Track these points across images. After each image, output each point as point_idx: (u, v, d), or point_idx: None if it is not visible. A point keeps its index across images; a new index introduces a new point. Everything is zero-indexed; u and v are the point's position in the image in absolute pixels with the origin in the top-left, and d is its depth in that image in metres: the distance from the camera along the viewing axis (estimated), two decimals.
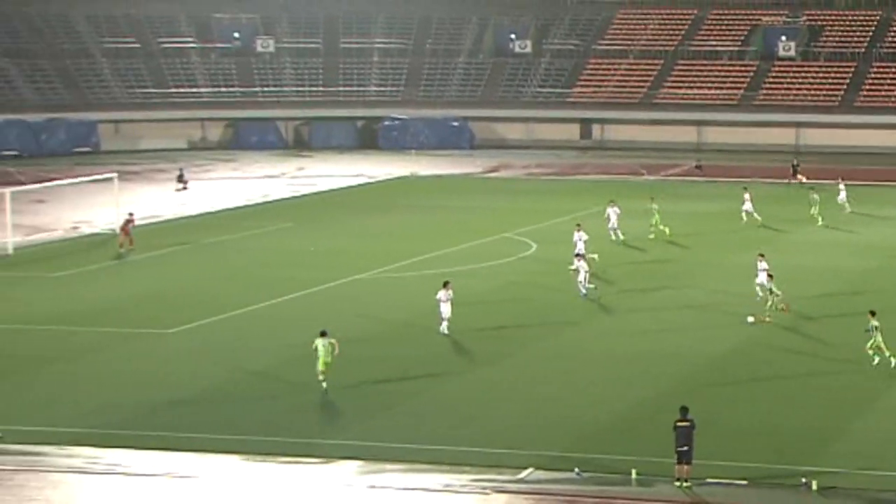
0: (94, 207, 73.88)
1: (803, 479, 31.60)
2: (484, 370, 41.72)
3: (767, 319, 47.23)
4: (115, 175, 71.06)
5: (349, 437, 34.80)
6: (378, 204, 78.74)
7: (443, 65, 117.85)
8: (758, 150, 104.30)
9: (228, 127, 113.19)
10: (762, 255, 50.67)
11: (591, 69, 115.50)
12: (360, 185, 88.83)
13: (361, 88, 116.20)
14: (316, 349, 38.98)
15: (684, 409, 32.08)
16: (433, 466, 32.74)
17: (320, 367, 38.80)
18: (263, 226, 70.01)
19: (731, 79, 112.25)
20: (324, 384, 38.76)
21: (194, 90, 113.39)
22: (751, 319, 47.24)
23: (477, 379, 40.71)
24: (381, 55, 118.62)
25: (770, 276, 48.64)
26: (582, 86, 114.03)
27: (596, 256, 56.10)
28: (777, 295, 47.91)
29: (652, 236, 64.86)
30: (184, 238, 66.02)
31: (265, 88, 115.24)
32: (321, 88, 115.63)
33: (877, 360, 41.26)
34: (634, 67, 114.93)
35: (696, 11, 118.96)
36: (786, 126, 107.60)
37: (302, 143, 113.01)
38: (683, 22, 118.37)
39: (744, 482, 31.70)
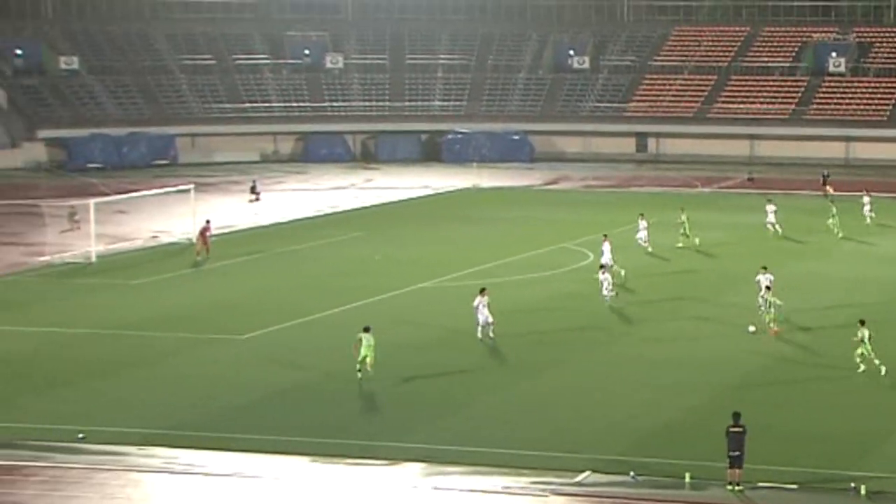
0: (171, 218, 74.44)
1: (852, 484, 31.35)
2: (542, 376, 41.66)
3: (775, 329, 46.60)
4: (191, 187, 71.44)
5: (414, 440, 34.85)
6: (441, 215, 78.82)
7: (504, 80, 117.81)
8: (809, 163, 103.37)
9: (299, 140, 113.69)
10: (765, 268, 49.55)
11: (647, 84, 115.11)
12: (424, 196, 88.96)
13: (426, 103, 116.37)
14: (359, 341, 40.29)
15: (737, 415, 31.92)
16: (493, 469, 32.74)
17: (360, 359, 40.22)
18: (332, 235, 70.24)
19: (782, 94, 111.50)
20: (359, 375, 40.21)
21: (267, 105, 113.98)
22: (752, 329, 46.76)
23: (535, 384, 40.68)
24: (445, 71, 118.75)
25: (768, 288, 47.64)
26: (638, 101, 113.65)
27: (623, 271, 55.75)
28: (779, 305, 47.03)
29: (680, 245, 64.73)
30: (256, 247, 66.35)
31: (334, 103, 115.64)
32: (387, 103, 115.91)
33: (862, 367, 40.86)
34: (689, 83, 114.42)
35: (748, 28, 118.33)
36: (836, 140, 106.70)
37: (369, 156, 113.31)
38: (736, 39, 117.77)
39: (794, 486, 31.48)
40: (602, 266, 53.13)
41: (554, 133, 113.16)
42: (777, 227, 68.49)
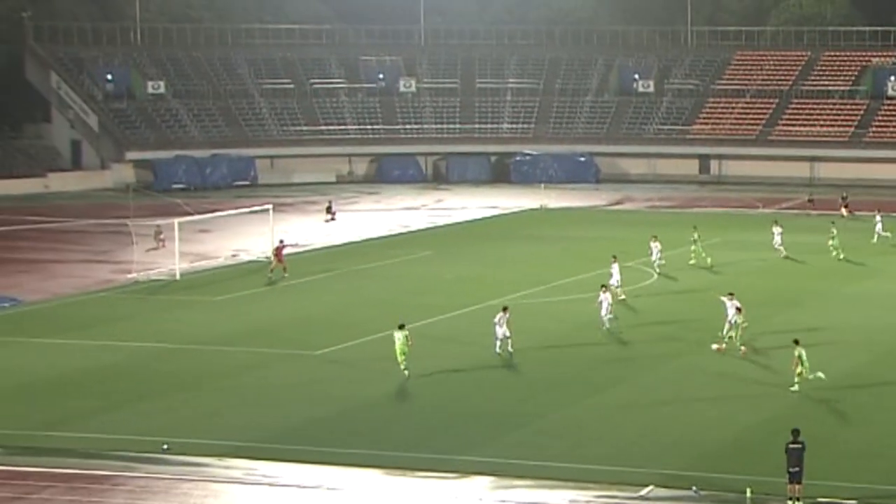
0: (251, 236, 75.01)
1: None
2: (606, 392, 41.55)
3: (742, 348, 46.09)
4: (270, 207, 71.88)
5: (482, 454, 34.85)
6: (510, 234, 78.82)
7: (571, 103, 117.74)
8: (868, 184, 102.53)
9: (373, 162, 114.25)
10: (731, 294, 48.49)
11: (710, 107, 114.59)
12: (493, 216, 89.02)
13: (495, 125, 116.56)
14: (396, 341, 42.44)
15: (796, 432, 31.67)
16: (559, 483, 32.68)
17: (398, 356, 42.25)
18: (404, 254, 70.44)
19: (842, 117, 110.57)
20: (405, 371, 42.21)
21: (342, 127, 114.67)
22: (714, 347, 46.44)
23: (599, 400, 40.57)
24: (514, 94, 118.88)
25: (739, 310, 46.87)
26: (701, 123, 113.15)
27: (624, 296, 55.25)
28: (745, 327, 46.43)
29: (693, 262, 64.97)
30: (331, 265, 66.71)
31: (407, 126, 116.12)
32: (458, 125, 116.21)
33: (796, 387, 40.42)
34: (751, 106, 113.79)
35: (809, 53, 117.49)
36: (894, 162, 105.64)
37: (440, 177, 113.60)
38: (797, 63, 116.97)
39: (853, 502, 31.16)
40: (604, 286, 51.24)
41: (619, 155, 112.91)
42: (782, 248, 67.29)
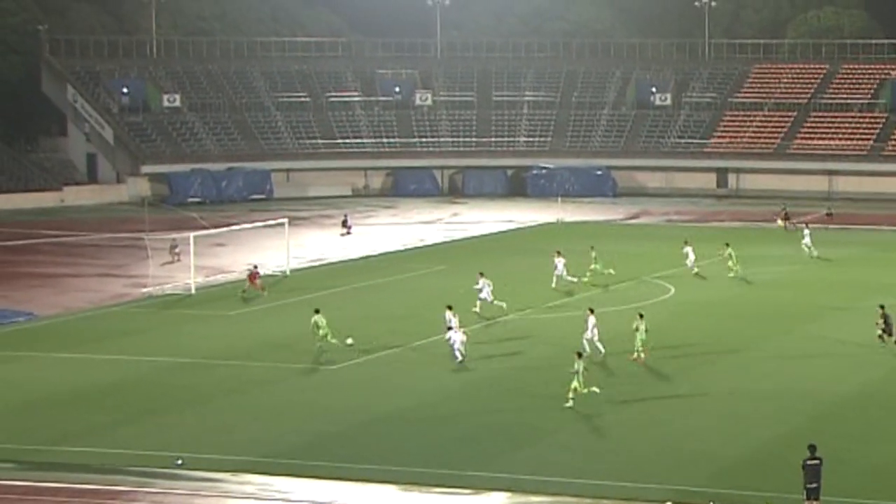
0: (267, 250, 75.14)
1: None
2: (623, 407, 41.52)
3: (642, 357, 46.40)
4: (286, 220, 72.01)
5: (498, 469, 34.86)
6: (526, 248, 78.78)
7: (588, 116, 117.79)
8: (886, 198, 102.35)
9: (389, 175, 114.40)
10: (591, 311, 48.69)
11: (728, 121, 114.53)
12: (509, 230, 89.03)
13: (512, 139, 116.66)
14: (315, 324, 47.42)
15: (813, 448, 31.60)
16: (575, 499, 32.69)
17: (326, 334, 46.99)
18: (419, 269, 70.50)
19: (861, 130, 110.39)
20: (346, 341, 47.59)
21: (358, 141, 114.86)
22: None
23: (617, 415, 40.55)
24: (531, 107, 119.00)
25: (641, 315, 47.44)
26: (719, 137, 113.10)
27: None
28: (643, 339, 46.82)
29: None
30: (346, 279, 66.78)
31: (423, 139, 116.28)
32: (474, 139, 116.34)
33: (571, 403, 40.36)
34: (769, 119, 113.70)
35: (827, 66, 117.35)
36: None
37: (456, 191, 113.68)
38: (816, 76, 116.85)
39: None
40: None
41: (636, 168, 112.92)
42: (694, 268, 66.79)
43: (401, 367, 47.02)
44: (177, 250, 71.80)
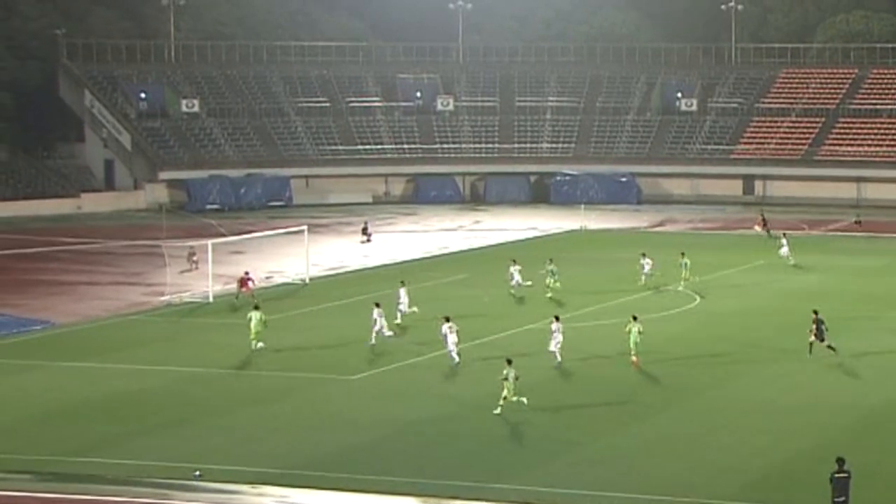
0: (286, 258, 75.20)
1: None
2: (650, 420, 41.35)
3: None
4: (305, 228, 72.04)
5: (523, 482, 34.69)
6: (548, 257, 78.44)
7: (612, 122, 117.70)
8: None
9: (410, 182, 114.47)
10: (557, 318, 48.87)
11: (755, 127, 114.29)
12: (532, 238, 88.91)
13: (535, 145, 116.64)
14: (250, 319, 49.04)
15: (841, 461, 31.39)
16: None
17: (252, 334, 48.61)
18: (440, 277, 70.43)
19: (890, 136, 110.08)
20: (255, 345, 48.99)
21: (379, 147, 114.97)
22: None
23: (643, 428, 40.37)
24: (554, 113, 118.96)
25: (634, 318, 48.35)
26: (745, 143, 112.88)
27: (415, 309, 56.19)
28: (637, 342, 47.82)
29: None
30: (366, 288, 66.67)
31: (444, 145, 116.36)
32: (497, 145, 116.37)
33: (499, 410, 40.56)
34: (796, 125, 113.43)
35: (856, 71, 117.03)
36: None
37: (478, 198, 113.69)
38: (844, 81, 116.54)
39: None
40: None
41: (661, 175, 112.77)
42: (650, 276, 66.53)
43: (422, 378, 46.94)
44: (194, 258, 71.92)
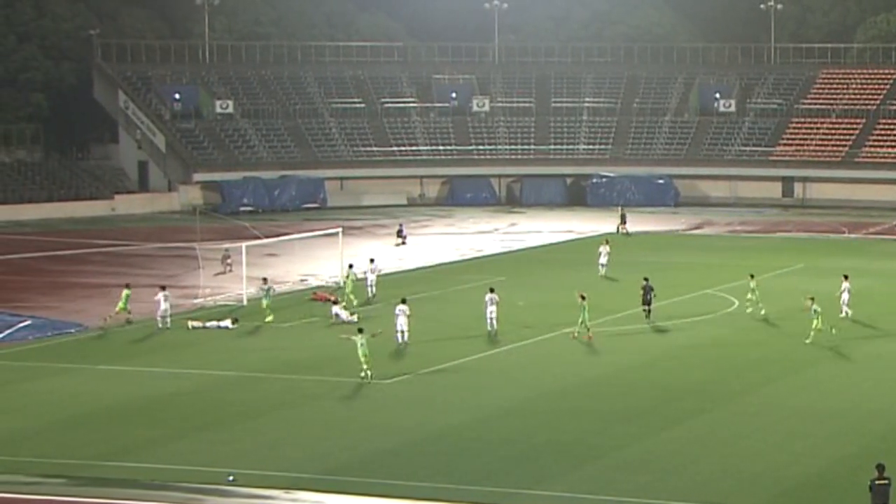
0: (319, 260, 75.43)
1: None
2: (685, 424, 41.34)
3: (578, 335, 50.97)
4: (339, 230, 72.22)
5: (554, 488, 34.77)
6: (585, 259, 78.52)
7: (649, 123, 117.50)
8: None
9: (445, 184, 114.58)
10: (492, 288, 53.09)
11: (794, 128, 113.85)
12: (568, 240, 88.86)
13: (571, 146, 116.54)
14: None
15: (881, 467, 31.30)
16: None
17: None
18: (476, 280, 70.36)
19: None
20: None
21: (414, 148, 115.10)
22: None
23: (678, 433, 40.36)
24: (590, 114, 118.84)
25: (583, 297, 51.59)
26: (784, 144, 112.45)
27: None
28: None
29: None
30: (401, 291, 66.64)
31: (480, 146, 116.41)
32: (533, 146, 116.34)
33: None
34: (837, 126, 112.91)
35: None
36: None
37: (514, 200, 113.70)
38: (885, 81, 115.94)
39: None
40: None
41: (699, 177, 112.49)
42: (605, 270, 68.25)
43: (455, 383, 47.03)
44: (229, 261, 72.23)
